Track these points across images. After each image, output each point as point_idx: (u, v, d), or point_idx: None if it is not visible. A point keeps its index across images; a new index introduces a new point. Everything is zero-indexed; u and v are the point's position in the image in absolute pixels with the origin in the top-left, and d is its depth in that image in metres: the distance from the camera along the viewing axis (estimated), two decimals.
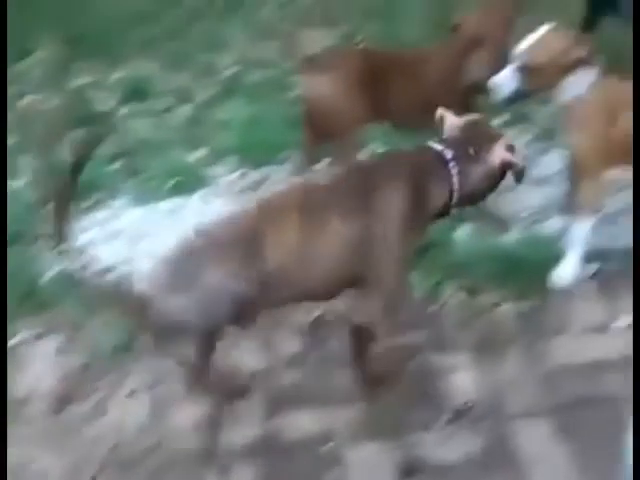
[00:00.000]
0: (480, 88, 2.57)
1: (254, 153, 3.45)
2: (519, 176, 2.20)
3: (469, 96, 2.72)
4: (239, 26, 4.92)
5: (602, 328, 2.48)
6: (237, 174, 3.41)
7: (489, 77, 2.46)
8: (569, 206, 2.72)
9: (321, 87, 2.69)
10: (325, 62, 2.74)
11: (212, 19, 5.07)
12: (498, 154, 2.16)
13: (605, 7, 3.49)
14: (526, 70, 2.42)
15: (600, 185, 2.61)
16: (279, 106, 3.67)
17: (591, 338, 2.46)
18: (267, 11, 5.11)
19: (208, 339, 2.06)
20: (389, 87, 2.72)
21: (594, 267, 2.69)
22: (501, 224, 2.90)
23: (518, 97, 2.49)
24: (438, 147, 2.17)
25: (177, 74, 4.40)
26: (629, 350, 2.36)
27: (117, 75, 4.46)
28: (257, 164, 3.43)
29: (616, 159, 2.59)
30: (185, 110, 4.02)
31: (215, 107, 3.99)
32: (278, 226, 1.99)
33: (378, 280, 2.08)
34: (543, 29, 2.45)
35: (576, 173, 2.62)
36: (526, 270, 2.65)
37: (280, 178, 3.18)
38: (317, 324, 2.60)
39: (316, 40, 4.66)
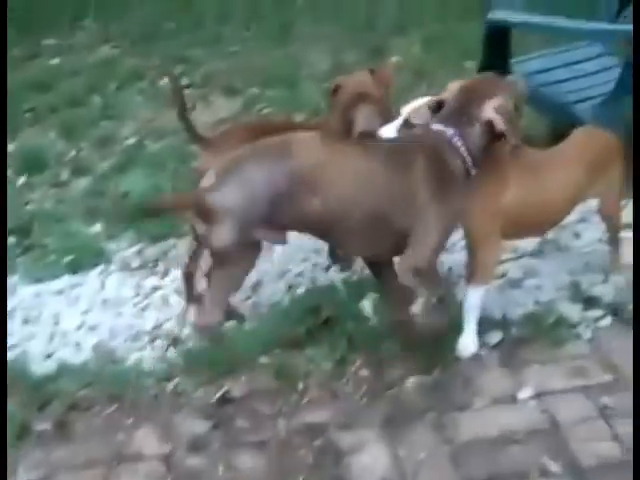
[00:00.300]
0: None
1: (152, 227, 3.36)
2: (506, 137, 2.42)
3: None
4: (139, 95, 4.87)
5: (508, 399, 2.46)
6: (135, 249, 3.30)
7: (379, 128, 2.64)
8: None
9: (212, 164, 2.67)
10: (217, 138, 2.77)
11: (111, 88, 5.01)
12: (485, 114, 2.42)
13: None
14: (409, 126, 2.58)
15: (493, 255, 2.63)
16: (179, 177, 3.61)
17: (498, 410, 2.42)
18: (166, 81, 5.07)
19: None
20: None
21: (498, 336, 2.69)
22: (403, 295, 2.89)
23: None
24: (439, 127, 2.46)
25: (75, 144, 4.30)
26: (536, 421, 2.37)
27: (12, 146, 4.33)
28: (156, 238, 3.34)
29: (514, 230, 2.62)
30: (83, 182, 3.91)
31: (114, 178, 3.90)
32: (340, 151, 2.40)
33: (424, 237, 2.40)
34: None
35: (470, 242, 2.64)
36: (431, 341, 2.62)
37: (180, 253, 3.09)
38: (221, 402, 2.50)
39: (219, 108, 4.70)
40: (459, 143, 2.44)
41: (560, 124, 3.47)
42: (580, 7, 3.93)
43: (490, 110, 2.43)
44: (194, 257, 2.87)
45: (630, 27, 3.29)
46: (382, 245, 2.51)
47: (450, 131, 2.44)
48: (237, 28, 6.04)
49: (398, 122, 2.64)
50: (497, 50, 3.64)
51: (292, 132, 2.68)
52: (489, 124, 2.43)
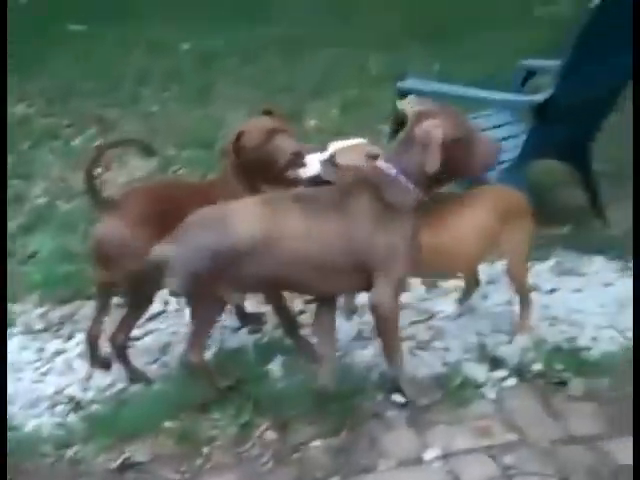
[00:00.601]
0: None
1: (58, 289, 3.29)
2: None
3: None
4: (52, 154, 4.81)
5: (414, 460, 2.46)
6: (40, 311, 3.22)
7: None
8: None
9: (105, 229, 2.70)
10: (112, 203, 2.74)
11: (23, 147, 4.94)
12: (417, 132, 2.51)
13: None
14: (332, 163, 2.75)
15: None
16: (87, 239, 3.55)
17: (403, 472, 2.42)
18: (81, 140, 5.04)
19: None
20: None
21: (403, 398, 2.70)
22: (314, 356, 2.89)
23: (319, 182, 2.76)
24: (382, 164, 2.57)
25: None
26: None
27: None
28: (61, 301, 3.27)
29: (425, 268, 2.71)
30: None
31: (22, 238, 3.82)
32: (278, 211, 2.49)
33: (382, 270, 2.51)
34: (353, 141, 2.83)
35: None
36: (337, 403, 2.62)
37: (86, 314, 3.03)
38: (123, 468, 2.43)
39: (134, 168, 4.68)
40: (401, 178, 2.52)
41: (469, 187, 3.55)
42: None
43: (421, 129, 2.50)
44: (98, 320, 2.81)
45: (534, 97, 3.45)
46: (343, 285, 2.62)
47: (392, 169, 2.53)
48: (156, 89, 6.06)
49: (323, 156, 2.76)
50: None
51: (192, 192, 2.79)
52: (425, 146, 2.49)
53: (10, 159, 4.73)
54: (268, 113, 2.94)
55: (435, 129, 2.49)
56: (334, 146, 2.81)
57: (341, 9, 8.54)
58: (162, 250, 2.47)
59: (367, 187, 2.55)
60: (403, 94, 3.67)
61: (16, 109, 5.66)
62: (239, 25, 7.84)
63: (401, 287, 2.66)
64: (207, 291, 2.49)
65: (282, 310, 2.92)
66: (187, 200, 2.64)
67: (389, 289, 2.55)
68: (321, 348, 2.73)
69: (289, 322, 2.93)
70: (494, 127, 3.92)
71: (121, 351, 2.76)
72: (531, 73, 4.14)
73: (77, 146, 4.98)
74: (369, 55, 6.85)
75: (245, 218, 2.49)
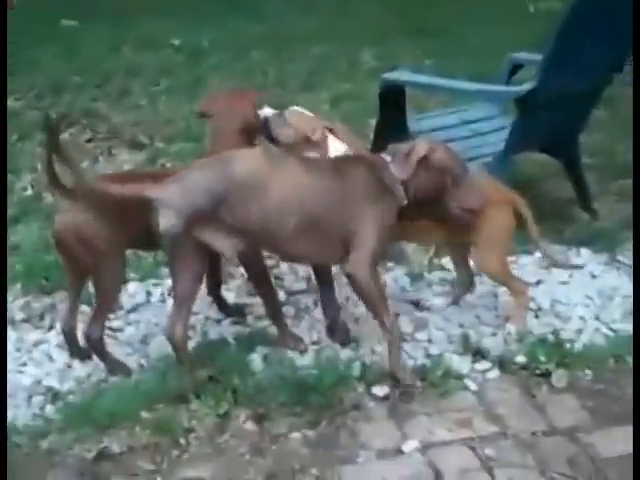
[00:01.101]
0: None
1: (40, 280, 3.27)
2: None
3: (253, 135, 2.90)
4: (39, 147, 4.77)
5: (393, 452, 2.44)
6: (21, 302, 3.20)
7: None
8: None
9: (65, 218, 2.66)
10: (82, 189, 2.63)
11: (10, 140, 4.91)
12: (416, 151, 2.69)
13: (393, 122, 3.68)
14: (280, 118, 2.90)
15: None
16: None
17: (382, 463, 2.39)
18: (69, 133, 5.01)
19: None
20: None
21: (386, 389, 2.68)
22: (298, 344, 2.88)
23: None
24: (383, 155, 2.74)
25: None
26: (420, 474, 2.35)
27: None
28: (44, 291, 3.25)
29: None
30: None
31: (7, 231, 3.79)
32: (279, 161, 2.61)
33: (360, 241, 2.62)
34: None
35: None
36: (317, 395, 2.59)
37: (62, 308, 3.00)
38: (99, 459, 2.40)
39: (123, 161, 4.66)
40: (394, 169, 2.68)
41: None
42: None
43: (420, 147, 2.69)
44: (71, 311, 2.79)
45: (516, 89, 3.43)
46: (325, 251, 2.67)
47: (389, 157, 2.72)
48: (145, 83, 6.04)
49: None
50: (393, 108, 3.72)
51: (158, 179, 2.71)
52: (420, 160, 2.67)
53: None
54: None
55: (421, 147, 2.71)
56: (293, 110, 2.97)
57: (331, 5, 8.55)
58: (157, 190, 2.50)
59: (365, 162, 2.72)
60: (388, 86, 3.66)
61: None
62: (229, 21, 7.84)
63: (377, 259, 2.72)
64: (197, 234, 2.50)
65: (269, 295, 2.92)
66: None
67: (365, 258, 2.62)
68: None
69: (274, 307, 2.93)
70: (480, 120, 3.90)
71: (97, 344, 2.73)
72: (519, 66, 4.13)
73: (66, 139, 4.93)
74: (360, 50, 6.84)
75: (245, 159, 2.58)
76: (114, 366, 2.75)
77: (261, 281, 2.89)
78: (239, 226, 2.54)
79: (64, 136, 4.89)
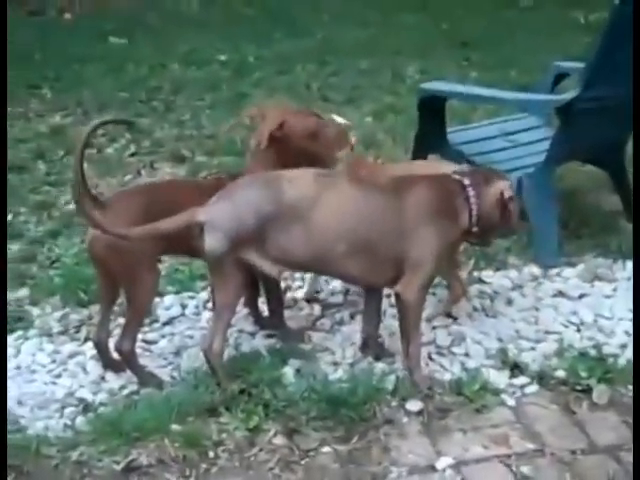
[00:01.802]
0: None
1: (79, 293, 3.29)
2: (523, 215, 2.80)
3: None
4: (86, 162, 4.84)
5: (426, 469, 2.38)
6: (58, 314, 3.22)
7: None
8: None
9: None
10: (108, 203, 2.65)
11: (56, 156, 4.99)
12: (499, 186, 2.66)
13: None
14: None
15: None
16: None
17: None
18: (114, 148, 5.08)
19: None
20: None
21: (419, 404, 2.62)
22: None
23: None
24: (456, 176, 2.66)
25: (13, 208, 4.24)
26: None
27: None
28: (82, 304, 3.26)
29: None
30: (15, 246, 3.83)
31: (48, 243, 3.84)
32: (332, 185, 2.54)
33: (416, 264, 2.55)
34: None
35: None
36: (349, 409, 2.55)
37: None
38: (127, 471, 2.38)
39: (164, 174, 4.69)
40: (472, 193, 2.60)
41: None
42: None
43: (505, 186, 2.67)
44: (102, 323, 2.80)
45: (557, 98, 3.35)
46: (377, 273, 2.61)
47: (467, 181, 2.64)
48: (190, 98, 6.09)
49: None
50: (433, 119, 3.67)
51: (190, 189, 2.77)
52: (500, 197, 2.64)
53: (42, 167, 4.80)
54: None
55: (507, 190, 2.68)
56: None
57: (377, 19, 8.54)
58: (203, 212, 2.47)
59: (429, 182, 2.63)
60: (427, 96, 3.61)
61: (52, 120, 5.73)
62: (275, 36, 7.88)
63: (429, 283, 2.69)
64: (241, 256, 2.48)
65: (272, 290, 2.95)
66: (185, 199, 2.60)
67: (419, 283, 2.58)
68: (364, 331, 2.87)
69: (276, 303, 2.96)
70: (521, 131, 3.83)
71: (128, 356, 2.73)
72: (563, 75, 4.04)
73: (110, 154, 5.01)
74: (405, 64, 6.80)
75: (297, 183, 2.52)
76: (146, 378, 2.75)
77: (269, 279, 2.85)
78: (286, 249, 2.50)
79: (108, 150, 5.03)
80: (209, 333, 2.62)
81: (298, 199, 2.48)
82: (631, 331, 2.99)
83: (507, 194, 2.65)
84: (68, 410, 2.64)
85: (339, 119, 3.05)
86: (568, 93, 3.33)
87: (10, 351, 2.91)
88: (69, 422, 2.58)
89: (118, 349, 2.72)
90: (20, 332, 3.08)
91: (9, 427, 2.49)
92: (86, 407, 2.64)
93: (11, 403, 2.65)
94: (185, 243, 2.57)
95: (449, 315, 3.11)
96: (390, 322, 2.95)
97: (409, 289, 2.57)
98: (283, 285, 3.19)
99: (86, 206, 2.49)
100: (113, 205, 2.63)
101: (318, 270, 2.81)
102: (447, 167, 2.84)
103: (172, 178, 4.43)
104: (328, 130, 2.85)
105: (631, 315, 3.09)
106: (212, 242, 2.46)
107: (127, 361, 2.74)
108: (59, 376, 2.83)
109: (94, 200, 2.58)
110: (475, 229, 2.65)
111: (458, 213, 2.62)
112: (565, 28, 7.67)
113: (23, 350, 2.97)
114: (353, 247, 2.52)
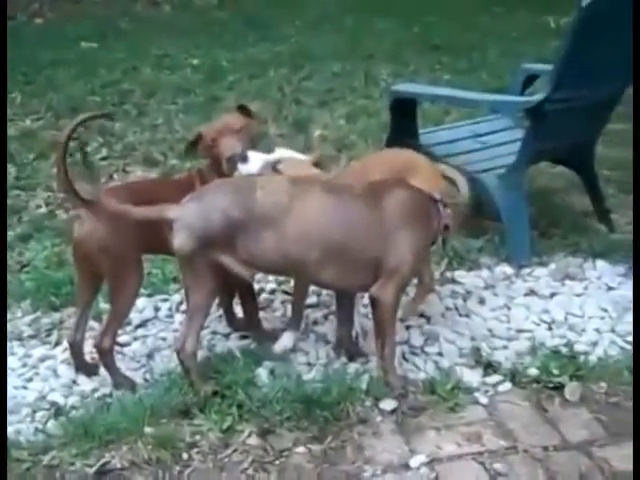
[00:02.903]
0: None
1: (49, 297, 3.27)
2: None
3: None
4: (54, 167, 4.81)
5: (400, 467, 2.38)
6: (29, 318, 3.19)
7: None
8: None
9: (87, 227, 2.62)
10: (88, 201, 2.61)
11: (27, 160, 4.95)
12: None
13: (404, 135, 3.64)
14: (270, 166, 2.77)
15: None
16: None
17: (388, 479, 2.34)
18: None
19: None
20: None
21: (393, 403, 2.62)
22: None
23: None
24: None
25: None
26: None
27: None
28: (53, 308, 3.24)
29: None
30: None
31: (19, 247, 3.80)
32: (306, 191, 2.53)
33: (394, 267, 2.55)
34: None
35: None
36: (323, 409, 2.55)
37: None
38: (100, 474, 2.36)
39: (137, 178, 4.66)
40: (442, 207, 2.67)
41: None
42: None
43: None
44: (79, 325, 2.78)
45: (526, 99, 3.37)
46: (353, 278, 2.59)
47: (438, 197, 2.70)
48: (162, 102, 6.07)
49: (268, 158, 2.78)
50: (404, 121, 3.69)
51: (167, 187, 2.80)
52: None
53: (12, 171, 4.75)
54: (242, 109, 2.94)
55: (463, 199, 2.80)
56: (281, 152, 2.85)
57: (349, 24, 8.56)
58: (173, 209, 2.49)
59: (404, 187, 2.64)
60: (398, 98, 3.63)
61: (22, 124, 5.68)
62: (248, 41, 7.88)
63: (405, 287, 2.70)
64: (211, 257, 2.48)
65: (246, 292, 2.96)
66: (165, 194, 2.61)
67: (395, 287, 2.57)
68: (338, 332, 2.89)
69: (251, 305, 2.97)
70: (492, 132, 3.86)
71: (107, 355, 2.71)
72: (533, 77, 4.08)
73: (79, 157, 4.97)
74: (377, 67, 6.83)
75: (268, 188, 2.52)
76: (120, 380, 2.73)
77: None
78: (256, 255, 2.50)
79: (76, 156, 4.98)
80: (181, 334, 2.61)
81: (270, 206, 2.47)
82: (602, 328, 3.04)
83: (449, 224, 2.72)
84: (39, 414, 2.62)
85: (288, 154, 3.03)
86: (537, 95, 3.36)
87: None
88: (40, 426, 2.56)
89: (97, 346, 2.70)
90: None
91: None
92: (58, 410, 2.62)
93: None
94: (164, 242, 2.56)
95: (422, 315, 3.12)
96: (364, 322, 2.96)
97: (385, 292, 2.56)
98: (257, 287, 3.19)
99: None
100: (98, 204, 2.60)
101: (292, 275, 2.81)
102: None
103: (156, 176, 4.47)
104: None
105: (602, 313, 3.14)
106: (180, 240, 2.47)
107: (104, 359, 2.72)
108: (30, 380, 2.80)
109: (81, 199, 2.55)
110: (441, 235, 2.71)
111: (432, 223, 2.65)
112: (536, 32, 7.74)
113: None
114: (327, 254, 2.51)
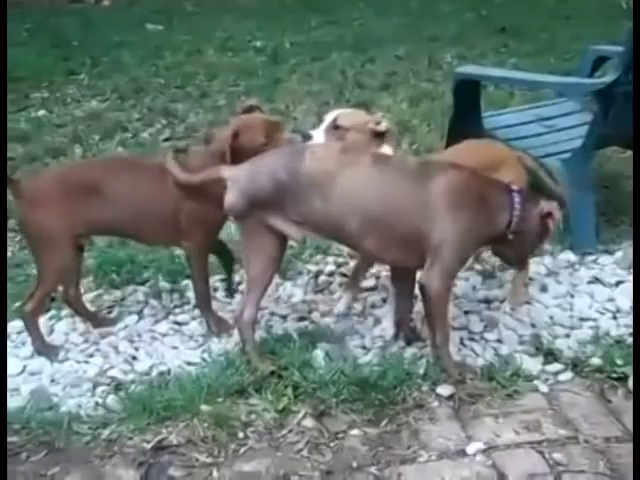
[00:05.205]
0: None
1: (111, 275, 3.31)
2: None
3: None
4: (121, 146, 4.87)
5: (455, 453, 2.35)
6: (92, 295, 3.22)
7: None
8: None
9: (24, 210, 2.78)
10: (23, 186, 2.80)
11: (94, 139, 5.02)
12: (547, 207, 2.61)
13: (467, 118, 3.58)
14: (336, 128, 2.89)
15: None
16: None
17: (443, 465, 2.31)
18: (149, 132, 5.09)
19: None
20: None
21: (450, 388, 2.59)
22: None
23: None
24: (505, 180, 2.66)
25: None
26: (483, 477, 2.26)
27: None
28: (115, 285, 3.29)
29: None
30: None
31: None
32: (358, 161, 2.55)
33: (437, 248, 2.50)
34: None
35: None
36: (380, 393, 2.53)
37: (136, 298, 3.02)
38: (157, 450, 2.39)
39: None
40: (517, 200, 2.56)
41: None
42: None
43: (553, 206, 2.62)
44: (68, 284, 2.94)
45: (595, 81, 3.27)
46: (399, 254, 2.58)
47: (515, 187, 2.60)
48: (225, 84, 6.09)
49: (327, 120, 2.92)
50: (467, 104, 3.62)
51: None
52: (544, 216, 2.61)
53: (78, 151, 4.84)
54: (251, 110, 2.95)
55: (555, 211, 2.64)
56: (332, 113, 2.97)
57: (415, 7, 8.47)
58: (228, 169, 2.60)
59: (458, 171, 2.57)
60: (462, 80, 3.56)
61: (88, 105, 5.77)
62: (312, 23, 7.86)
63: (455, 274, 2.64)
64: (263, 218, 2.54)
65: (200, 276, 2.95)
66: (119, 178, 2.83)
67: (442, 272, 2.52)
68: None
69: (204, 290, 2.96)
70: (558, 116, 3.76)
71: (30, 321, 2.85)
72: (602, 59, 3.96)
73: (146, 138, 5.04)
74: (442, 50, 6.74)
75: (320, 154, 2.57)
76: (39, 348, 2.84)
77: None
78: (304, 218, 2.54)
79: (143, 135, 5.05)
80: (240, 302, 2.70)
81: (316, 171, 2.51)
82: None
83: (555, 214, 2.63)
84: (100, 389, 2.65)
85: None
86: (607, 76, 3.26)
87: (43, 330, 2.93)
88: (100, 401, 2.59)
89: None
90: (53, 312, 3.10)
91: (43, 405, 2.53)
92: (117, 386, 2.65)
93: (45, 381, 2.68)
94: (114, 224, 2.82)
95: (484, 300, 3.08)
96: (422, 307, 2.92)
97: (432, 278, 2.52)
98: (315, 269, 3.18)
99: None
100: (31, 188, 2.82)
101: (340, 241, 2.78)
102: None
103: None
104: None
105: None
106: (230, 199, 2.56)
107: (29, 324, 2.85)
108: (91, 355, 2.85)
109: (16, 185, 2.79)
110: (510, 236, 2.60)
111: (495, 212, 2.57)
112: (607, 13, 7.53)
113: (56, 329, 3.00)
114: (367, 223, 2.52)
